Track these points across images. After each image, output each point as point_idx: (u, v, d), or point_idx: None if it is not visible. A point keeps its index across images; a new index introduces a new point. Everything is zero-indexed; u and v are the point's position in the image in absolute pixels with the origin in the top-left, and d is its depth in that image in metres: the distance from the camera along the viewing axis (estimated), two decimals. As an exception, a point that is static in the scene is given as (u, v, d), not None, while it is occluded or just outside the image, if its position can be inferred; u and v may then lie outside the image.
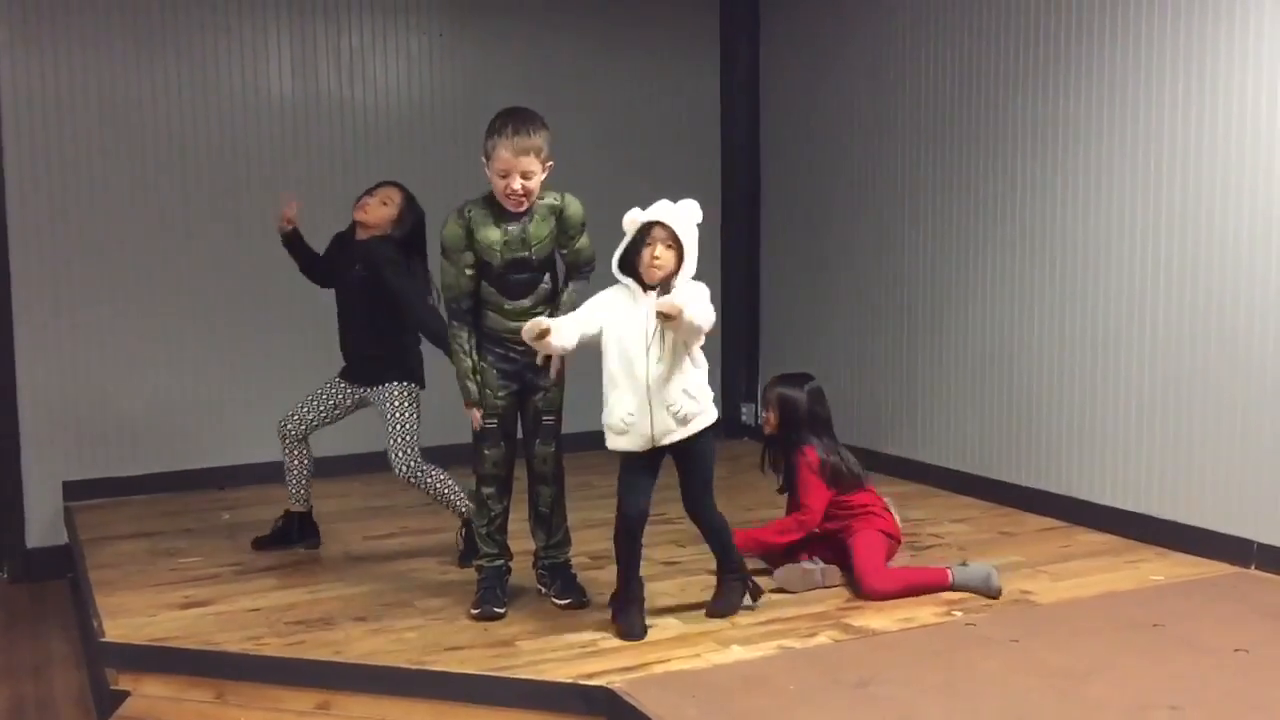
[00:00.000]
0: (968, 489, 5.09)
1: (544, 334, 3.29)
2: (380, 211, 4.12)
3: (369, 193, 4.18)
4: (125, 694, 3.43)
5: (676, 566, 4.09)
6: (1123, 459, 4.45)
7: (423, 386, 4.20)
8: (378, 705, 3.24)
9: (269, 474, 5.27)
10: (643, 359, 3.33)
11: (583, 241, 3.63)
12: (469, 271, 3.56)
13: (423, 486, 4.15)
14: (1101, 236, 4.49)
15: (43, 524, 5.26)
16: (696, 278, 3.40)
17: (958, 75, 5.09)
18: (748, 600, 3.62)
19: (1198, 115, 4.11)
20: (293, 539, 4.40)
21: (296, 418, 4.26)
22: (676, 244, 3.32)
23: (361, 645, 3.41)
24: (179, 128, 5.39)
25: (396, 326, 4.10)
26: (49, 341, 5.23)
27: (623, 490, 3.44)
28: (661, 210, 3.36)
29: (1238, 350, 4.03)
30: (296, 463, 4.31)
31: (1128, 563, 4.13)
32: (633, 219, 3.38)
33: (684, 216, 3.36)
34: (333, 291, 4.28)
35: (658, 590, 3.82)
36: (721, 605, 3.58)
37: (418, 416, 4.14)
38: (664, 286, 3.35)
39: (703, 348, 3.42)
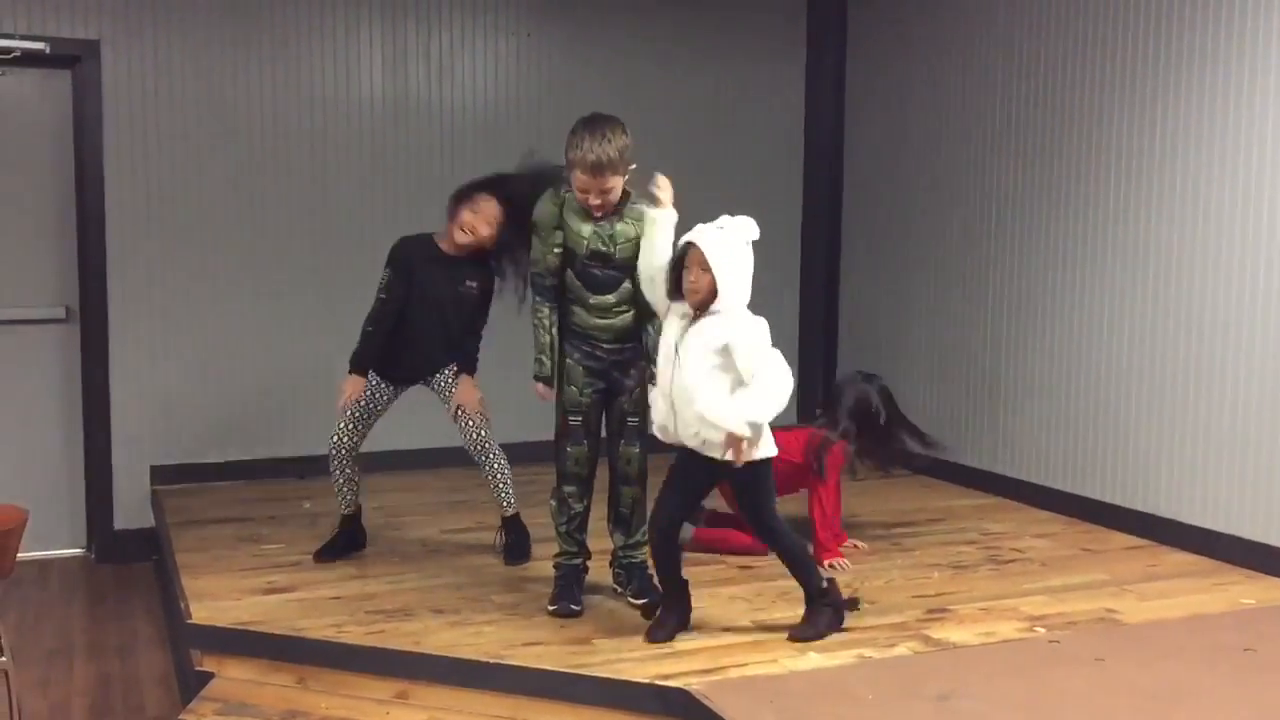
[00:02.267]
0: (1050, 504, 5.01)
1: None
2: (488, 234, 4.11)
3: (468, 207, 4.09)
4: (210, 675, 3.50)
5: (750, 572, 4.08)
6: (1213, 477, 4.34)
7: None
8: (455, 697, 3.26)
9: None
10: (669, 368, 3.31)
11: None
12: (556, 249, 3.60)
13: (487, 461, 4.20)
14: (1196, 252, 4.39)
15: (130, 507, 5.38)
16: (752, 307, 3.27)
17: (1051, 81, 5.00)
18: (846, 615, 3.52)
19: (1303, 128, 4.00)
20: (358, 542, 4.35)
21: (349, 433, 4.19)
22: (709, 267, 3.20)
23: (440, 637, 3.44)
24: (273, 125, 5.49)
25: (471, 337, 4.24)
26: (141, 329, 5.36)
27: (658, 496, 3.45)
28: (696, 232, 3.27)
29: (1339, 370, 3.92)
30: (354, 472, 4.25)
31: (1216, 584, 4.03)
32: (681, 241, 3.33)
33: (720, 238, 3.23)
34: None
35: (731, 594, 3.81)
36: (798, 631, 3.43)
37: (480, 397, 4.17)
38: (701, 310, 3.26)
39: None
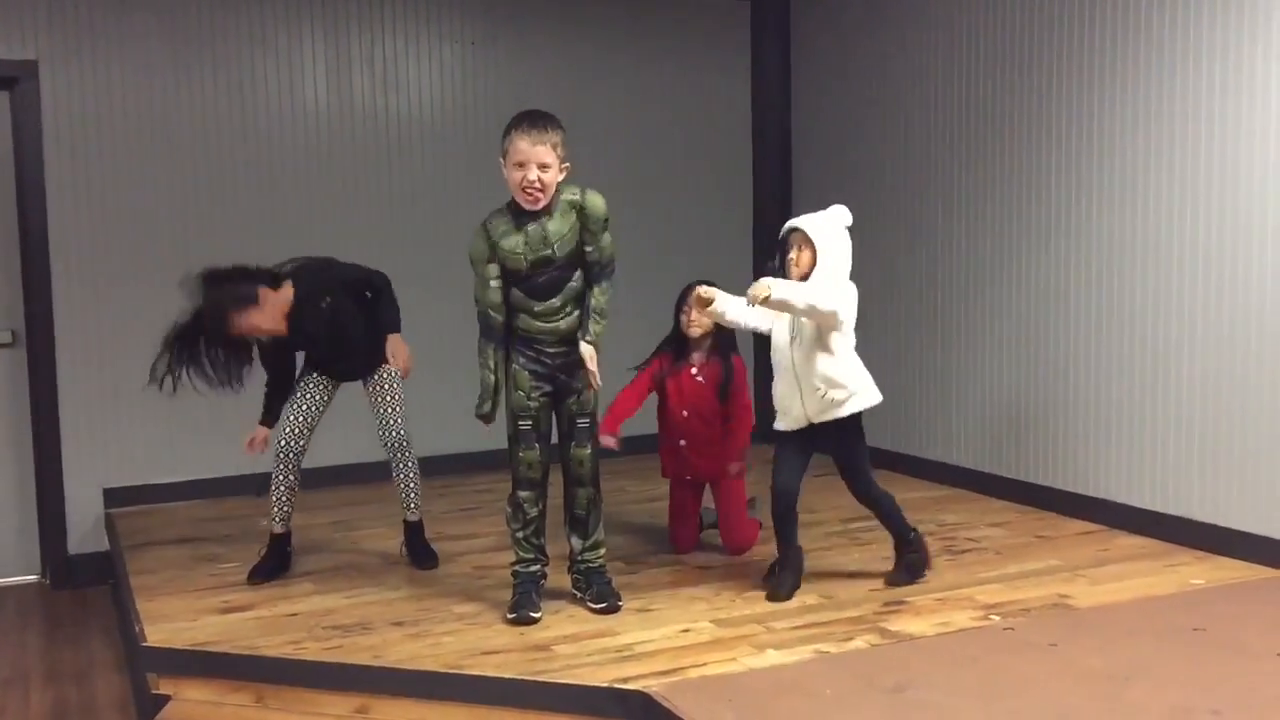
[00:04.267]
0: (1003, 493, 5.06)
1: (708, 303, 3.65)
2: (266, 321, 4.01)
3: (246, 315, 3.96)
4: (166, 698, 3.46)
5: (709, 572, 4.10)
6: (1161, 462, 4.41)
7: None
8: (416, 709, 3.26)
9: (303, 481, 5.32)
10: (787, 348, 3.74)
11: (605, 240, 3.59)
12: (494, 283, 3.58)
13: (401, 463, 4.23)
14: (1138, 236, 4.46)
15: (84, 531, 5.33)
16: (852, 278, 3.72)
17: (991, 70, 5.07)
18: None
19: (1235, 111, 4.07)
20: (286, 564, 4.27)
21: (299, 435, 4.18)
22: (810, 244, 3.67)
23: (399, 650, 3.43)
24: (216, 138, 5.45)
25: (375, 327, 4.15)
26: (90, 350, 5.30)
27: (775, 468, 3.80)
28: (798, 219, 3.77)
29: (1279, 351, 3.99)
30: (295, 481, 4.22)
31: (1167, 566, 4.09)
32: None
33: (818, 220, 3.72)
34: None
35: (691, 595, 3.83)
36: (894, 576, 3.91)
37: (410, 353, 4.15)
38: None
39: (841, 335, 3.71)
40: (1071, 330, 4.77)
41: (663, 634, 3.48)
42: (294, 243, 5.48)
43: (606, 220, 3.58)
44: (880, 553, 4.27)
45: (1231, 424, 4.14)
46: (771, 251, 3.89)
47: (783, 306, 3.55)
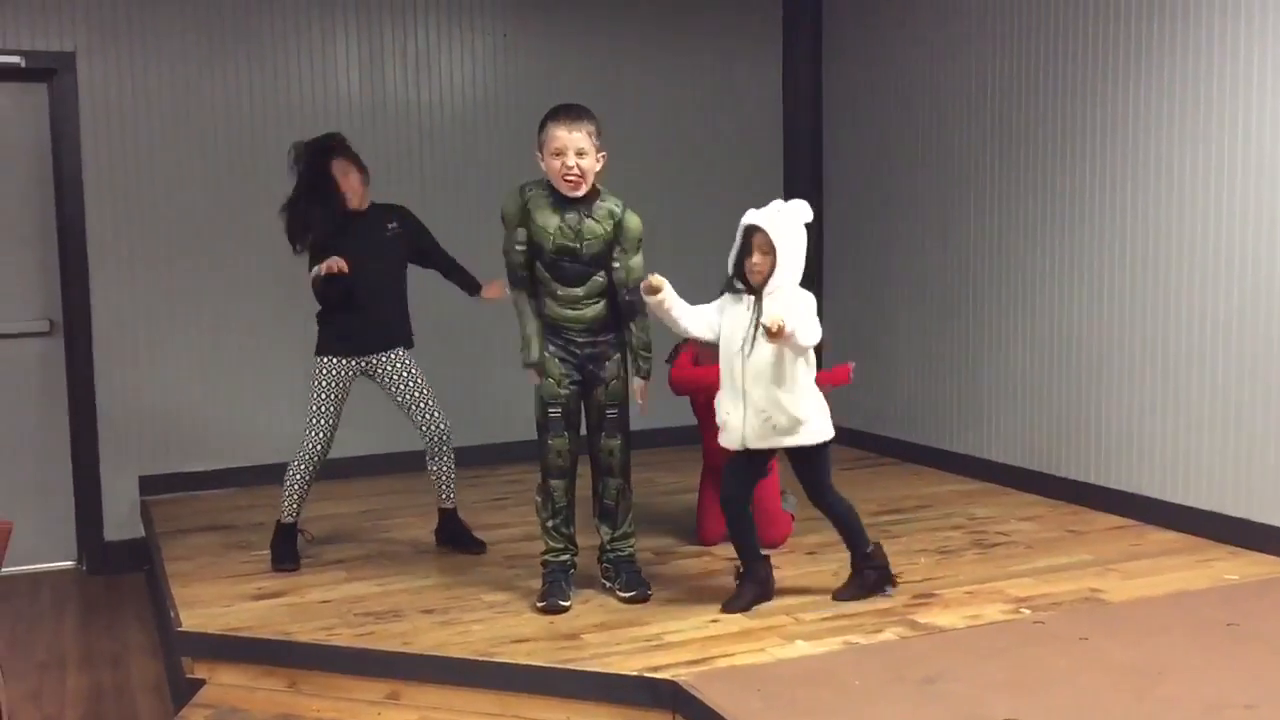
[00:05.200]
0: (1035, 487, 5.03)
1: (655, 291, 3.43)
2: (354, 185, 4.21)
3: (352, 164, 4.18)
4: (201, 682, 3.52)
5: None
6: (1194, 455, 4.37)
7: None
8: (445, 696, 3.28)
9: (333, 470, 5.38)
10: (739, 361, 3.45)
11: (636, 260, 3.62)
12: (519, 247, 3.63)
13: (445, 455, 4.29)
14: (1171, 230, 4.42)
15: (120, 517, 5.39)
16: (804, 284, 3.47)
17: (1025, 61, 5.03)
18: (888, 589, 3.69)
19: (1274, 105, 4.03)
20: (297, 553, 4.28)
21: (323, 435, 4.20)
22: (773, 248, 3.39)
23: (429, 637, 3.46)
24: (251, 129, 5.49)
25: (405, 287, 4.29)
26: (125, 339, 5.36)
27: (724, 475, 3.65)
28: (757, 214, 3.45)
29: (1315, 345, 3.95)
30: (313, 479, 4.25)
31: (1200, 561, 4.06)
32: (742, 223, 3.49)
33: (780, 219, 3.43)
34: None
35: (719, 585, 3.83)
36: (844, 592, 3.65)
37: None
38: (758, 292, 3.42)
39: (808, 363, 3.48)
40: (1104, 324, 4.73)
41: (692, 624, 3.48)
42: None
43: (640, 241, 3.61)
44: (911, 545, 4.26)
45: (1268, 418, 4.10)
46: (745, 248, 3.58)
47: (794, 347, 3.34)
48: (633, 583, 3.72)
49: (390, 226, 4.26)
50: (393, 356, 4.26)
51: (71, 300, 5.29)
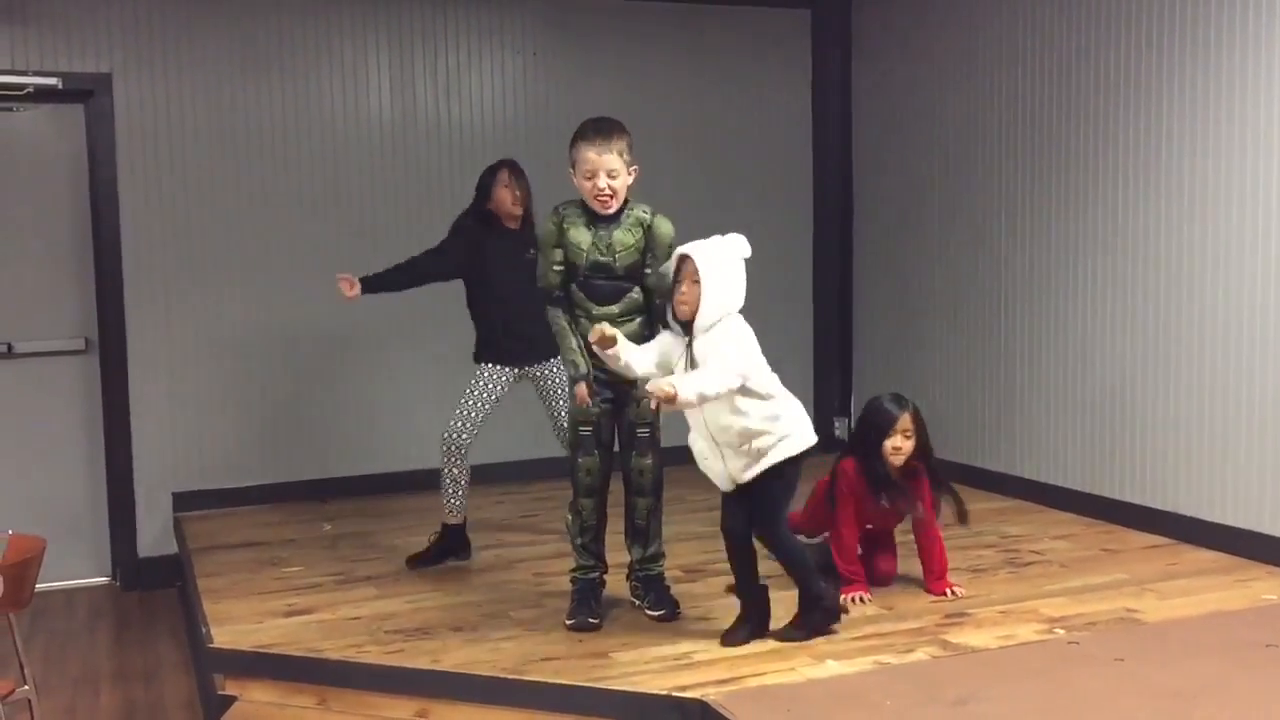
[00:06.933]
0: (1069, 505, 4.98)
1: (608, 341, 3.32)
2: (508, 203, 4.40)
3: (509, 184, 4.40)
4: (232, 699, 3.52)
5: (770, 581, 4.07)
6: (1232, 474, 4.31)
7: None
8: (475, 714, 3.28)
9: (367, 487, 5.38)
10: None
11: (667, 268, 3.60)
12: (557, 267, 3.64)
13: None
14: (1208, 247, 4.37)
15: (153, 534, 5.43)
16: (743, 312, 3.35)
17: (1056, 81, 5.00)
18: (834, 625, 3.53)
19: (1309, 120, 3.99)
20: (452, 553, 4.42)
21: (468, 425, 4.31)
22: (699, 279, 3.26)
23: (458, 655, 3.46)
24: (284, 150, 5.55)
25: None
26: (160, 357, 5.41)
27: (723, 508, 3.52)
28: (690, 245, 3.33)
29: (1354, 362, 3.89)
30: (460, 473, 4.37)
31: (1238, 581, 4.00)
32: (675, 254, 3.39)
33: (711, 250, 3.30)
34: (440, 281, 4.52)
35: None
36: (783, 632, 3.48)
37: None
38: (689, 324, 3.31)
39: (780, 372, 3.40)
40: (1138, 342, 4.68)
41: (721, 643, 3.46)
42: (360, 250, 5.57)
43: (672, 246, 3.57)
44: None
45: (1306, 436, 4.05)
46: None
47: (689, 406, 3.21)
48: (662, 601, 3.71)
49: (531, 252, 4.17)
50: (548, 364, 4.45)
51: (107, 318, 5.35)
